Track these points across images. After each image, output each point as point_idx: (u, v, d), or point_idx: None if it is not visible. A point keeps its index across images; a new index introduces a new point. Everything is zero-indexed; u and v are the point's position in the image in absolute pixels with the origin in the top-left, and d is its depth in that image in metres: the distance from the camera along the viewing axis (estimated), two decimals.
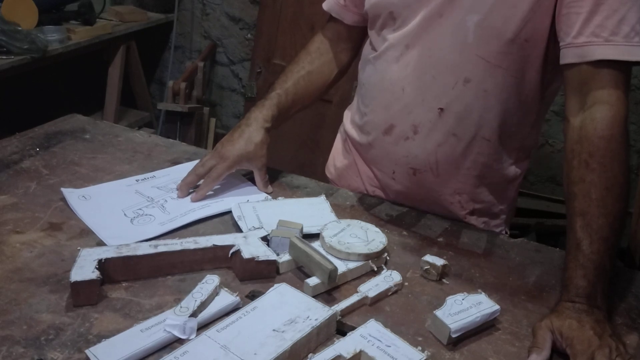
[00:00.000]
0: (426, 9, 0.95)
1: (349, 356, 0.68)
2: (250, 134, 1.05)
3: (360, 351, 0.69)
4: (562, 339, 0.74)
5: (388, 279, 0.85)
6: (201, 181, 1.03)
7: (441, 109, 0.98)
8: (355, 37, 1.16)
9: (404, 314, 0.81)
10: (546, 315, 0.79)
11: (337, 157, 1.23)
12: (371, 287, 0.82)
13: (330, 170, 1.25)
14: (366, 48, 1.11)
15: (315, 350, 0.71)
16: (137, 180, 1.07)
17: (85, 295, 0.75)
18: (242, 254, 0.83)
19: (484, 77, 0.96)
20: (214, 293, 0.77)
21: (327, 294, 0.82)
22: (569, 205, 0.84)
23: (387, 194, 1.13)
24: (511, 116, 1.00)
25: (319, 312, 0.74)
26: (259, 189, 1.08)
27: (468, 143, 1.01)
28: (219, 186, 1.06)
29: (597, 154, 0.83)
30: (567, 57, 0.89)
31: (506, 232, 1.14)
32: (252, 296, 0.80)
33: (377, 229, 0.93)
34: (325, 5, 1.15)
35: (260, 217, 0.96)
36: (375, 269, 0.88)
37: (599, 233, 0.80)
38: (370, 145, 1.09)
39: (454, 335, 0.74)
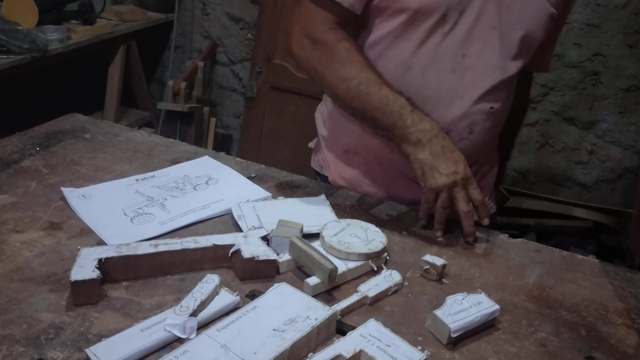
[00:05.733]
0: (482, 18, 1.00)
1: (348, 356, 0.68)
2: (452, 145, 1.00)
3: (360, 351, 0.69)
4: None
5: (388, 278, 0.85)
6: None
7: (492, 108, 1.07)
8: (346, 24, 1.08)
9: (403, 313, 0.81)
10: None
11: (342, 169, 1.21)
12: (371, 287, 0.82)
13: (338, 182, 1.22)
14: (399, 53, 1.05)
15: (315, 349, 0.71)
16: (137, 180, 1.07)
17: (85, 295, 0.75)
18: (242, 254, 0.83)
19: (515, 77, 1.09)
20: (214, 292, 0.77)
21: (327, 293, 0.82)
22: None
23: (413, 194, 1.12)
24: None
25: (319, 312, 0.74)
26: (484, 221, 1.00)
27: (499, 128, 1.15)
28: (220, 186, 1.06)
29: None
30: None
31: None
32: (252, 296, 0.80)
33: (377, 229, 0.93)
34: None
35: (260, 216, 0.96)
36: (375, 269, 0.88)
37: None
38: None
39: (453, 335, 0.74)
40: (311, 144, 1.37)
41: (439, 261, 0.88)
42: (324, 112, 1.26)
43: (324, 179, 1.25)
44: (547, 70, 1.24)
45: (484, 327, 0.79)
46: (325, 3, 1.03)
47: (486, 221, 1.00)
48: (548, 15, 1.03)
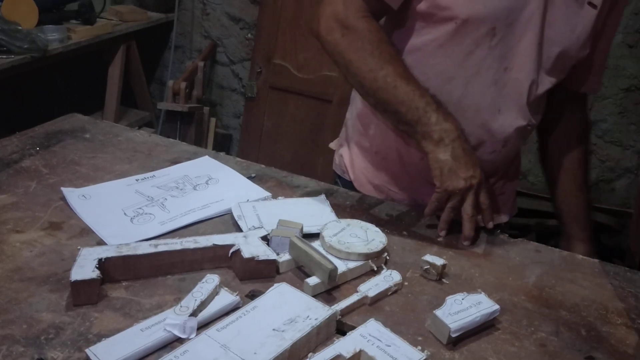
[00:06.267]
0: (528, 34, 0.99)
1: (348, 356, 0.68)
2: (469, 149, 1.00)
3: (360, 351, 0.69)
4: None
5: (388, 278, 0.85)
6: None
7: (528, 125, 1.07)
8: (379, 16, 1.06)
9: (403, 313, 0.81)
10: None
11: (370, 174, 1.20)
12: (371, 287, 0.82)
13: (366, 188, 1.21)
14: (441, 62, 1.03)
15: (315, 349, 0.71)
16: (137, 180, 1.07)
17: (85, 295, 0.75)
18: (242, 254, 0.83)
19: (546, 92, 1.08)
20: (214, 292, 0.77)
21: (327, 293, 0.82)
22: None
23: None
24: None
25: (319, 312, 0.74)
26: (488, 224, 1.02)
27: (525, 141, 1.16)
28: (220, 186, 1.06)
29: None
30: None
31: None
32: (252, 296, 0.80)
33: (377, 229, 0.93)
34: None
35: (260, 216, 0.96)
36: (375, 269, 0.88)
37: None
38: None
39: (453, 335, 0.74)
40: (332, 145, 1.35)
41: (439, 261, 0.88)
42: (353, 112, 1.24)
43: (345, 183, 1.24)
44: (597, 91, 1.19)
45: (484, 327, 0.79)
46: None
47: (490, 224, 1.01)
48: (589, 33, 1.02)
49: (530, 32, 0.99)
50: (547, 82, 1.05)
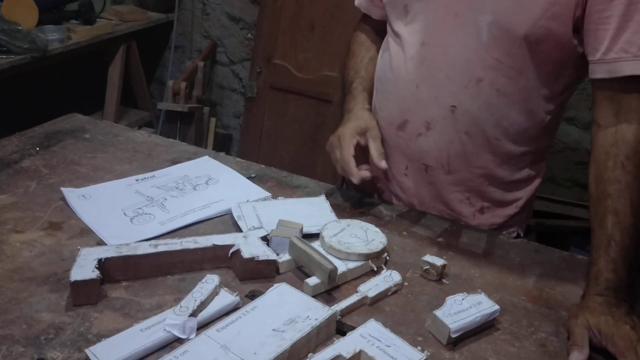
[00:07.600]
0: (440, 6, 0.97)
1: (348, 356, 0.68)
2: (356, 113, 1.08)
3: (360, 351, 0.69)
4: (601, 336, 0.76)
5: (388, 279, 0.85)
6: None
7: (454, 107, 1.00)
8: (383, 32, 1.16)
9: (403, 314, 0.81)
10: (576, 310, 0.81)
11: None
12: (371, 287, 0.82)
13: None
14: (384, 45, 1.14)
15: (315, 350, 0.72)
16: (137, 180, 1.07)
17: (85, 295, 0.75)
18: (242, 254, 0.83)
19: (497, 78, 0.96)
20: (214, 293, 0.77)
21: (327, 293, 0.82)
22: (599, 203, 0.87)
23: (397, 192, 1.14)
24: (524, 118, 1.01)
25: (318, 312, 0.74)
26: (374, 160, 1.01)
27: (480, 142, 1.02)
28: (220, 185, 1.06)
29: (635, 157, 0.86)
30: (597, 72, 0.90)
31: (519, 235, 1.16)
32: (252, 296, 0.80)
33: (377, 229, 0.93)
34: (356, 1, 1.19)
35: (260, 216, 0.96)
36: (375, 269, 0.88)
37: (630, 231, 0.83)
38: (385, 140, 1.09)
39: (453, 335, 0.74)
40: None
41: (438, 261, 0.88)
42: None
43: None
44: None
45: (484, 328, 0.79)
46: (362, 16, 1.22)
47: (382, 164, 1.00)
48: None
49: (447, 5, 0.96)
50: (489, 58, 0.94)
